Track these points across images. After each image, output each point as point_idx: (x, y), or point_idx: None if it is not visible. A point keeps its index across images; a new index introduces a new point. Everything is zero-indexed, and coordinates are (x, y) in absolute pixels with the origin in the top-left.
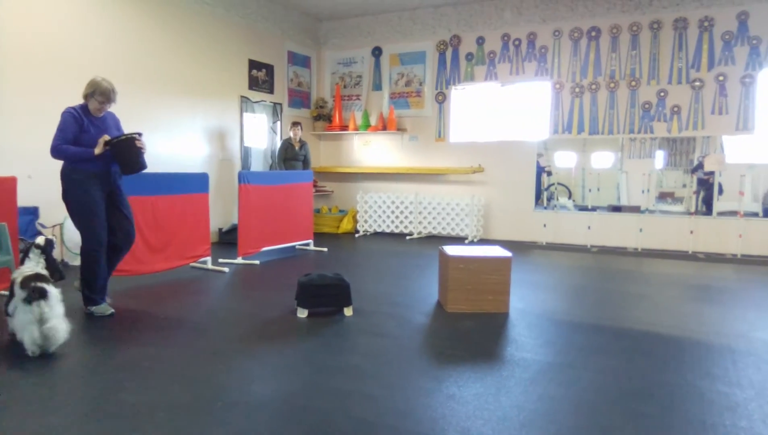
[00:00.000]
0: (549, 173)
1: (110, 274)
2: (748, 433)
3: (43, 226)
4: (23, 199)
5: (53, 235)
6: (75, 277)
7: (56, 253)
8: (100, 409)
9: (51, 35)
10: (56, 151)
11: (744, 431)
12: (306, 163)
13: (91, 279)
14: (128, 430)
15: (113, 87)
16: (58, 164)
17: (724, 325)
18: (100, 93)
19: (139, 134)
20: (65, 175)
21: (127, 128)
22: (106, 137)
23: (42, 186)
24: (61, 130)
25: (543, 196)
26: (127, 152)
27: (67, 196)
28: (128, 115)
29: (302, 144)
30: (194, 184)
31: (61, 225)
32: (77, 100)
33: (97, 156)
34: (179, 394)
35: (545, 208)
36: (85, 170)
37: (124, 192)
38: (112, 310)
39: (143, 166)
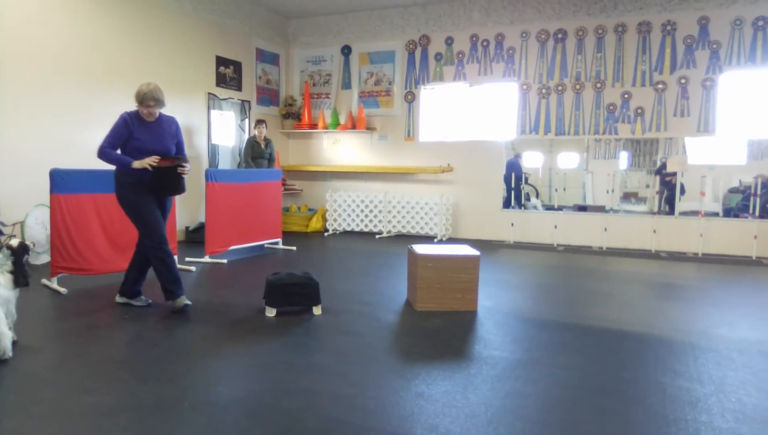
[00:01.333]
0: (525, 179)
1: (142, 279)
2: (708, 428)
3: (3, 224)
4: None
5: (13, 233)
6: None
7: None
8: (62, 410)
9: (14, 33)
10: (100, 153)
11: (704, 425)
12: (271, 161)
13: (166, 273)
14: (91, 432)
15: (150, 90)
16: (17, 161)
17: (685, 322)
18: (138, 98)
19: (186, 161)
20: (116, 179)
21: (87, 124)
22: (154, 161)
23: (2, 183)
24: (110, 134)
25: (522, 194)
26: (168, 177)
27: (119, 199)
28: (92, 112)
29: (267, 142)
30: None
31: (22, 223)
32: (38, 97)
33: (135, 168)
34: (144, 394)
35: (513, 207)
36: (134, 174)
37: (170, 201)
38: (188, 302)
39: (182, 190)
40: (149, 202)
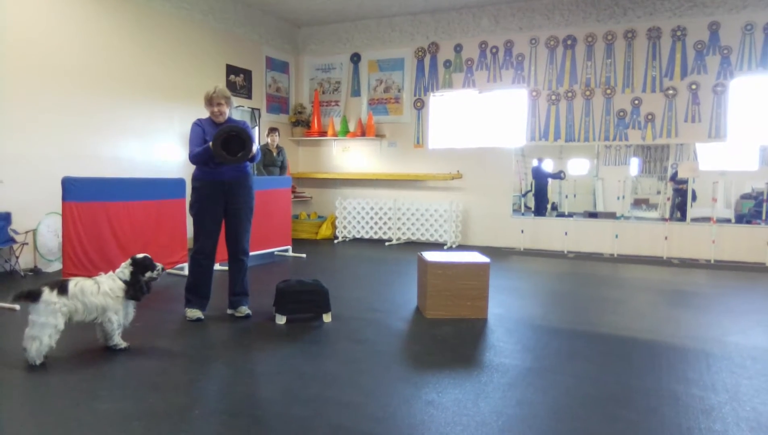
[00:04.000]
0: (560, 175)
1: (235, 286)
2: None
3: (15, 232)
4: None
5: (26, 241)
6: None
7: (29, 260)
8: (73, 417)
9: (24, 40)
10: (190, 159)
11: (718, 434)
12: (283, 169)
13: (191, 281)
14: None
15: (217, 89)
16: (30, 170)
17: (698, 329)
18: (207, 100)
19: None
20: (192, 182)
21: (99, 132)
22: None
23: (14, 191)
24: (191, 141)
25: (550, 202)
26: (236, 145)
27: (191, 199)
28: (103, 120)
29: (279, 150)
30: (170, 189)
31: (35, 231)
32: (51, 106)
33: (214, 160)
34: (155, 402)
35: (522, 214)
36: (201, 179)
37: (246, 207)
38: (202, 317)
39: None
40: (210, 212)
